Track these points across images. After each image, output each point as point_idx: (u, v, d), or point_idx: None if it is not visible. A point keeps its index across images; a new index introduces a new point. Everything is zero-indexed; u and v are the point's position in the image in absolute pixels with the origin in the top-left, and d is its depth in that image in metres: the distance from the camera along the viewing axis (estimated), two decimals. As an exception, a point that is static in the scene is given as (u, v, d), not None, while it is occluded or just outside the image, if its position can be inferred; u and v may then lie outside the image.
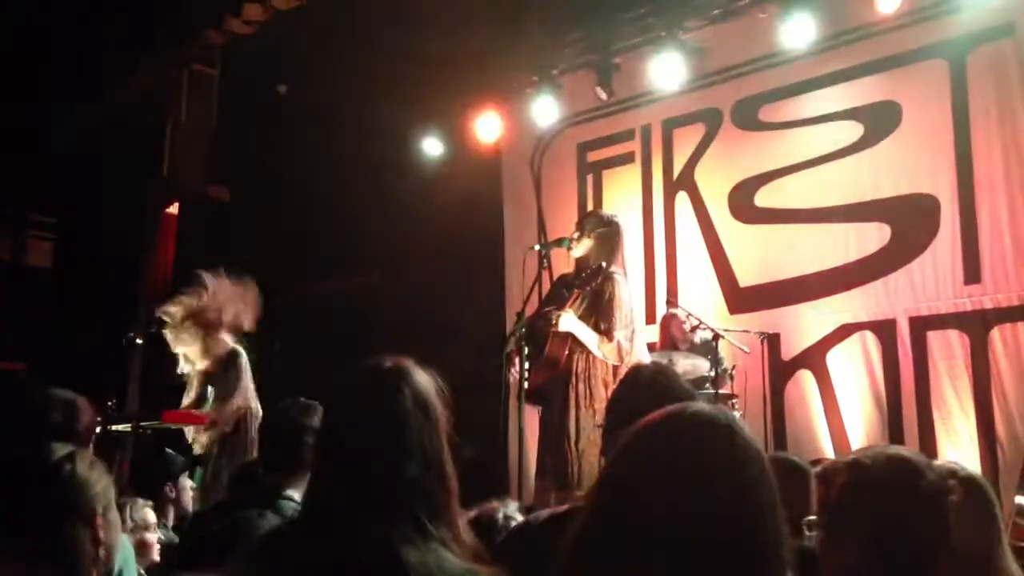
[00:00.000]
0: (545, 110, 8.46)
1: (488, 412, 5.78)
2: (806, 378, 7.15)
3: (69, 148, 9.67)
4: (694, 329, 6.91)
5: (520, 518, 2.74)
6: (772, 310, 7.36)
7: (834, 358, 7.04)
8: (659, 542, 1.26)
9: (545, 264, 5.85)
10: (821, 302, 7.16)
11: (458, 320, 8.82)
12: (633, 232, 7.66)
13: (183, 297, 6.21)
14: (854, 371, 6.93)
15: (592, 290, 5.27)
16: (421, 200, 8.92)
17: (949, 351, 6.56)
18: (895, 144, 6.97)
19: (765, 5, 7.35)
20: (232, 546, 1.94)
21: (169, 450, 5.09)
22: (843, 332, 7.03)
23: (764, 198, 7.58)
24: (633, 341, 5.35)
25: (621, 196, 8.33)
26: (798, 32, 7.09)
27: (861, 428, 6.79)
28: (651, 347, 6.85)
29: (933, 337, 6.65)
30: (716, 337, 6.62)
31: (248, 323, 6.36)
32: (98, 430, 5.16)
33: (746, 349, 6.78)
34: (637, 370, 2.81)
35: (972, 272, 6.54)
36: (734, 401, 6.60)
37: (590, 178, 8.70)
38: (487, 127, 8.80)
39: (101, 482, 2.04)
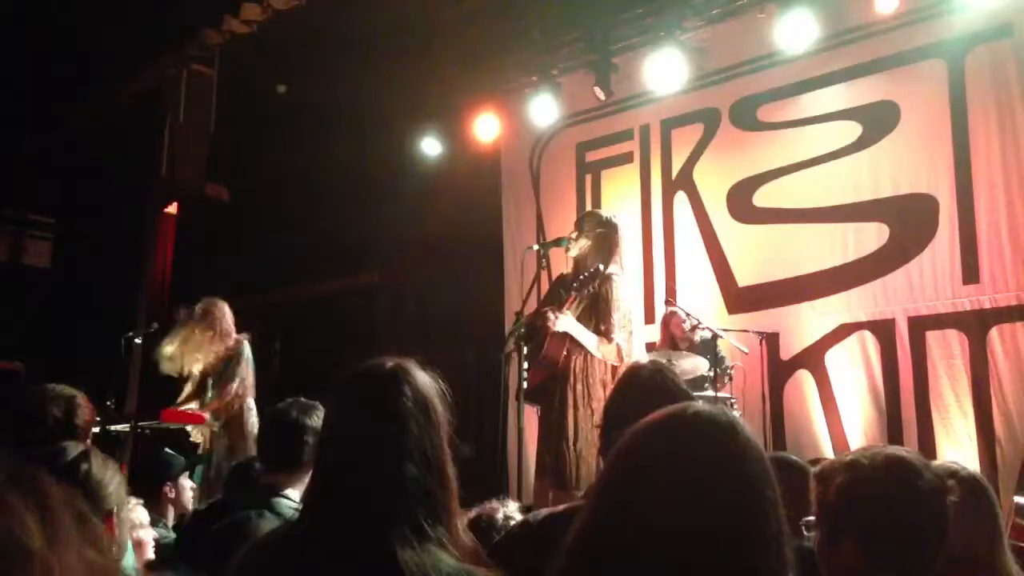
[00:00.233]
0: (544, 110, 8.46)
1: (487, 412, 5.79)
2: (805, 378, 7.15)
3: (68, 148, 9.67)
4: (693, 329, 6.91)
5: (520, 518, 2.74)
6: (771, 310, 7.37)
7: (833, 358, 7.05)
8: (660, 542, 1.26)
9: (544, 264, 5.85)
10: (820, 302, 7.16)
11: (457, 320, 8.83)
12: (632, 232, 7.66)
13: (172, 337, 6.45)
14: (853, 371, 6.93)
15: (590, 291, 5.28)
16: (420, 200, 8.93)
17: (948, 351, 6.56)
18: (894, 144, 6.98)
19: (764, 5, 7.35)
20: (231, 546, 1.94)
21: (168, 449, 5.09)
22: (842, 332, 7.03)
23: (763, 198, 7.58)
24: (631, 342, 5.36)
25: (620, 196, 8.34)
26: (797, 32, 7.09)
27: (860, 428, 6.80)
28: (651, 346, 6.86)
29: (932, 337, 6.65)
30: (715, 337, 6.63)
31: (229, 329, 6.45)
32: (97, 429, 5.18)
33: (745, 349, 6.78)
34: (635, 370, 2.81)
35: (971, 272, 6.54)
36: (733, 401, 6.60)
37: (589, 178, 8.70)
38: (486, 127, 8.81)
39: (115, 480, 2.04)
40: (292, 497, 3.06)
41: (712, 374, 6.40)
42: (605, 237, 5.50)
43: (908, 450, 2.12)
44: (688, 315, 6.90)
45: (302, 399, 3.25)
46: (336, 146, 9.08)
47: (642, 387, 2.57)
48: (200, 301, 6.58)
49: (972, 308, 6.51)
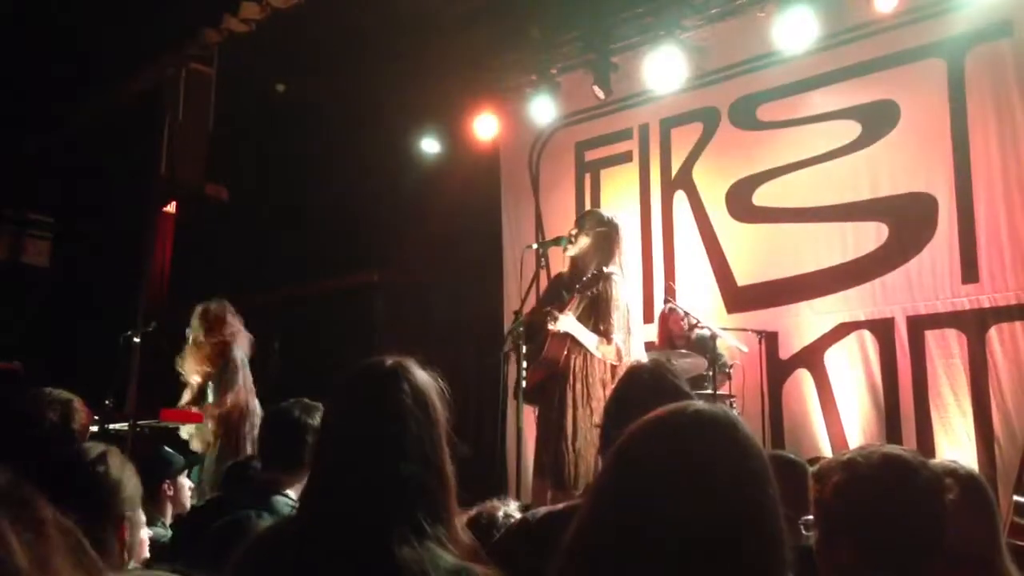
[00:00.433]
0: (543, 109, 8.46)
1: (486, 411, 5.79)
2: (804, 377, 7.16)
3: (67, 147, 9.66)
4: (692, 328, 6.92)
5: (519, 517, 2.74)
6: (770, 309, 7.37)
7: (832, 357, 7.05)
8: (659, 540, 1.27)
9: (543, 263, 5.86)
10: (819, 301, 7.17)
11: (456, 319, 8.83)
12: (631, 231, 7.65)
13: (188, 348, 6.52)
14: (852, 370, 6.94)
15: (593, 293, 5.28)
16: (419, 199, 8.93)
17: (947, 350, 6.56)
18: (893, 143, 6.98)
19: (763, 4, 7.35)
20: (230, 544, 1.94)
21: (167, 448, 5.09)
22: (841, 331, 7.03)
23: (762, 197, 7.58)
24: (631, 341, 5.36)
25: (619, 195, 8.34)
26: (796, 31, 7.09)
27: (859, 427, 6.80)
28: (650, 345, 6.86)
29: (931, 336, 6.65)
30: (714, 336, 6.63)
31: (240, 335, 6.49)
32: (95, 429, 5.18)
33: (744, 348, 6.78)
34: (635, 369, 2.81)
35: (970, 271, 6.54)
36: (732, 400, 6.61)
37: (588, 177, 8.70)
38: (485, 126, 8.81)
39: (131, 483, 2.04)
40: (292, 496, 3.06)
41: (711, 373, 6.41)
42: (605, 236, 5.51)
43: (905, 449, 2.13)
44: (687, 314, 6.90)
45: (305, 399, 3.26)
46: (335, 145, 9.08)
47: (643, 386, 2.57)
48: (198, 305, 6.61)
49: (971, 307, 6.51)
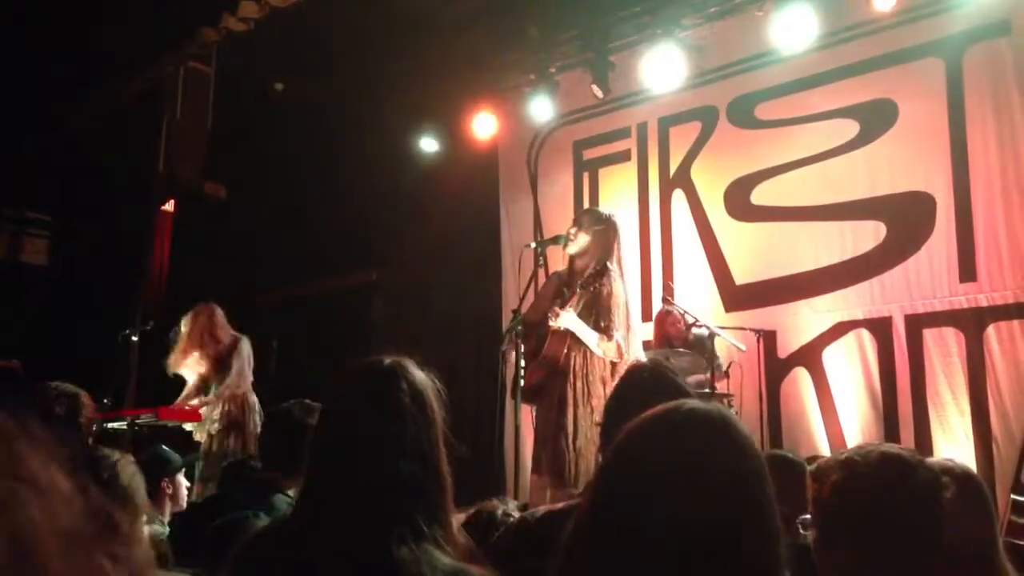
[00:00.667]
0: (541, 108, 8.46)
1: (484, 410, 5.79)
2: (802, 376, 7.16)
3: (66, 146, 9.66)
4: (690, 327, 6.92)
5: (518, 516, 2.75)
6: (768, 308, 7.37)
7: (830, 356, 7.06)
8: (657, 539, 1.27)
9: (541, 262, 5.86)
10: (817, 300, 7.17)
11: (455, 318, 8.83)
12: (629, 230, 7.65)
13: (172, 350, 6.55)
14: (850, 369, 6.95)
15: (594, 289, 5.29)
16: (417, 198, 8.93)
17: (945, 349, 6.57)
18: (891, 142, 6.98)
19: (762, 3, 7.35)
20: (229, 543, 1.94)
21: (165, 447, 5.09)
22: (839, 330, 7.04)
23: (760, 196, 7.59)
24: (631, 339, 5.37)
25: (617, 194, 8.34)
26: (794, 30, 7.09)
27: (857, 425, 6.80)
28: (647, 345, 6.86)
29: (929, 335, 6.66)
30: (712, 335, 6.63)
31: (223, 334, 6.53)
32: (94, 427, 5.18)
33: (742, 347, 6.79)
34: (636, 368, 2.82)
35: (968, 270, 6.55)
36: (730, 399, 6.61)
37: (586, 176, 8.71)
38: (483, 125, 8.80)
39: (141, 490, 2.05)
40: (291, 496, 3.07)
41: (709, 372, 6.41)
42: (604, 234, 5.51)
43: (903, 448, 2.13)
44: (684, 313, 6.90)
45: (305, 400, 3.27)
46: (334, 144, 9.08)
47: (643, 385, 2.58)
48: (190, 310, 6.64)
49: (969, 306, 6.52)
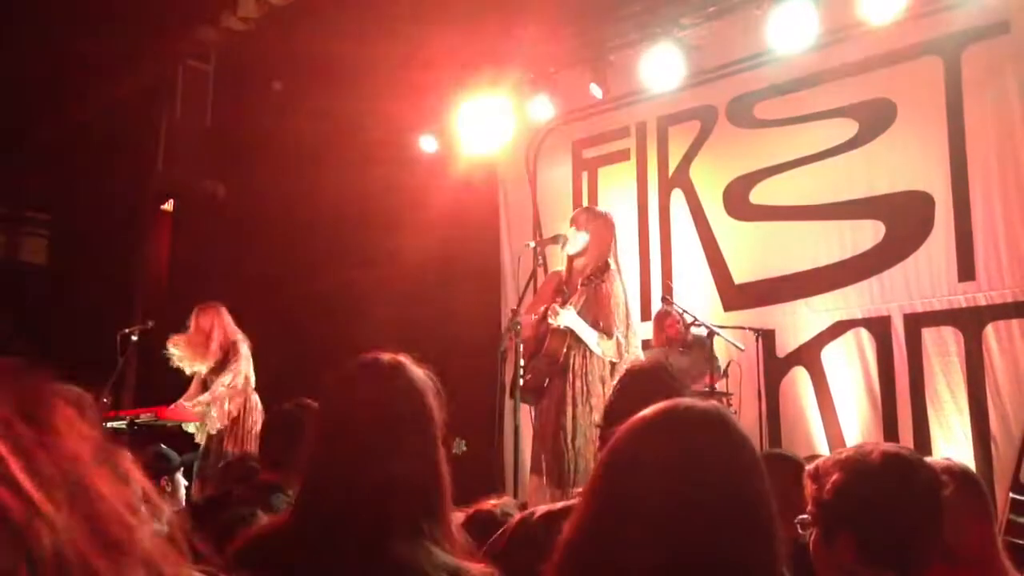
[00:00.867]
0: (540, 107, 8.45)
1: (483, 409, 5.79)
2: (801, 375, 7.17)
3: (64, 144, 9.66)
4: (689, 326, 6.92)
5: (517, 515, 2.75)
6: (767, 307, 7.38)
7: (829, 355, 7.06)
8: (654, 536, 1.27)
9: (540, 261, 5.86)
10: (816, 299, 7.17)
11: (454, 317, 8.83)
12: (628, 229, 7.67)
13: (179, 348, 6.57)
14: (849, 368, 6.95)
15: (591, 287, 5.29)
16: (416, 197, 8.92)
17: (943, 348, 6.57)
18: (890, 141, 6.98)
19: (760, 2, 7.34)
20: (227, 542, 1.94)
21: (163, 446, 5.11)
22: (838, 329, 7.04)
23: (759, 195, 7.59)
24: (631, 337, 5.37)
25: (616, 193, 8.34)
26: (793, 29, 7.08)
27: (856, 425, 6.81)
28: (646, 344, 6.86)
29: (927, 334, 6.66)
30: (711, 334, 6.63)
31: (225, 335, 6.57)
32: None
33: (741, 346, 6.79)
34: (635, 368, 2.82)
35: (966, 269, 6.55)
36: (729, 398, 6.61)
37: (585, 175, 8.71)
38: (482, 124, 8.79)
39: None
40: (291, 495, 3.07)
41: (708, 371, 6.42)
42: (601, 232, 5.51)
43: (903, 446, 2.13)
44: (683, 312, 6.90)
45: (306, 400, 3.27)
46: (332, 143, 9.08)
47: (642, 385, 2.58)
48: (195, 308, 6.65)
49: (968, 305, 6.52)
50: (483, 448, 6.74)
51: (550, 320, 5.30)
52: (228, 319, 6.64)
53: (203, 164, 9.31)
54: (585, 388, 5.25)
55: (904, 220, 6.85)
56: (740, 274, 7.61)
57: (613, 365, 5.26)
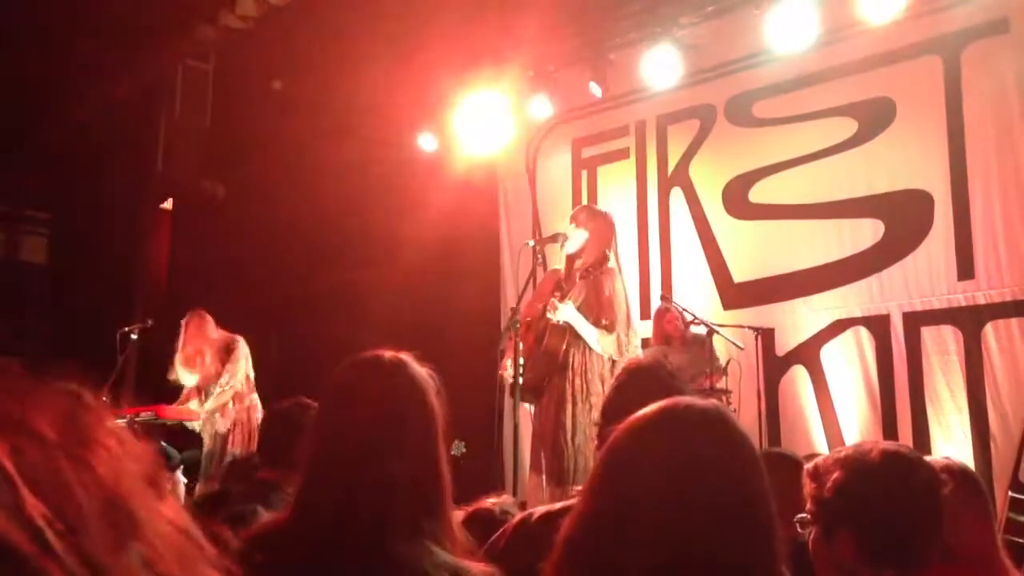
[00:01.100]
0: (540, 106, 8.45)
1: (482, 407, 5.79)
2: (800, 373, 7.17)
3: (65, 144, 9.65)
4: (688, 325, 6.92)
5: (517, 514, 2.75)
6: (766, 306, 7.38)
7: (828, 353, 7.06)
8: (653, 534, 1.27)
9: (539, 260, 5.86)
10: (815, 297, 7.17)
11: (453, 316, 8.82)
12: (627, 228, 7.67)
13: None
14: (848, 366, 6.95)
15: (591, 283, 5.29)
16: (416, 195, 8.92)
17: (943, 346, 6.57)
18: (889, 140, 6.98)
19: (759, 1, 7.34)
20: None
21: (163, 443, 5.11)
22: (837, 327, 7.05)
23: (758, 194, 7.59)
24: (631, 335, 5.37)
25: (615, 192, 8.34)
26: (792, 28, 7.08)
27: (855, 423, 6.81)
28: (645, 343, 6.86)
29: (927, 332, 6.66)
30: (710, 333, 6.64)
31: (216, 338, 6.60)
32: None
33: (740, 345, 6.79)
34: (634, 366, 2.82)
35: (966, 268, 6.56)
36: (728, 396, 6.62)
37: (585, 174, 8.71)
38: (481, 123, 8.79)
39: None
40: (291, 493, 3.07)
41: (706, 370, 6.42)
42: (600, 231, 5.51)
43: (902, 445, 2.13)
44: (683, 311, 6.91)
45: (304, 398, 3.27)
46: (331, 142, 9.07)
47: (641, 383, 2.58)
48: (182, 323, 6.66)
49: (967, 304, 6.52)
50: (482, 447, 6.74)
51: (549, 315, 5.30)
52: (210, 322, 6.64)
53: (203, 164, 9.31)
54: (585, 386, 5.25)
55: (903, 219, 6.85)
56: (739, 273, 7.61)
57: (613, 363, 5.26)
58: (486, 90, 8.63)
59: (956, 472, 2.44)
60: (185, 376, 6.56)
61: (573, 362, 5.28)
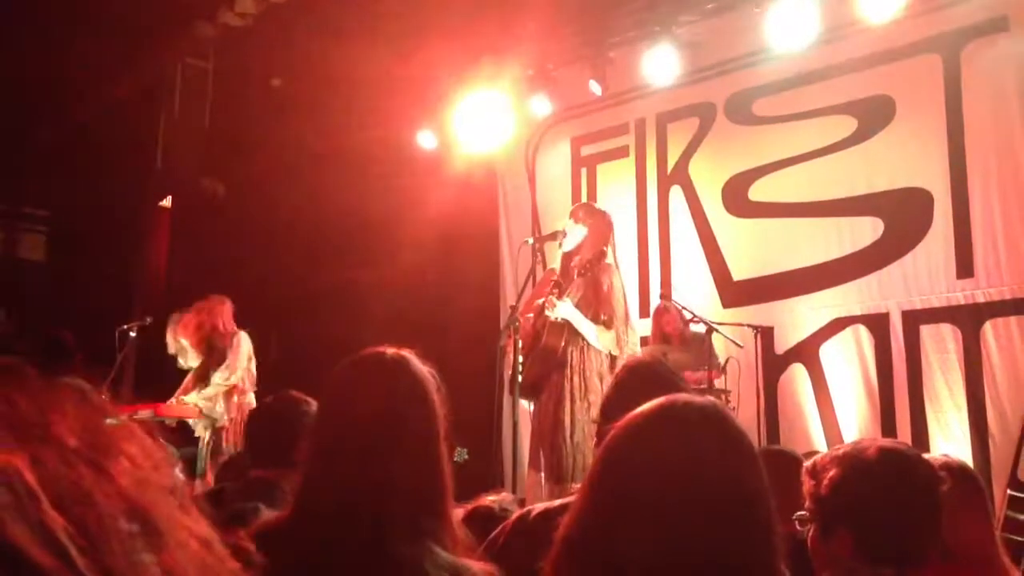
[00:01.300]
0: (539, 104, 8.45)
1: (482, 406, 5.79)
2: (799, 372, 7.17)
3: (63, 141, 9.66)
4: (687, 323, 6.92)
5: (517, 512, 2.75)
6: (765, 304, 7.38)
7: (827, 352, 7.06)
8: (651, 533, 1.27)
9: (539, 258, 5.87)
10: (814, 296, 7.18)
11: (453, 314, 8.83)
12: (627, 226, 7.68)
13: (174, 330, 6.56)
14: (847, 365, 6.95)
15: (589, 280, 5.30)
16: (415, 194, 8.92)
17: (942, 345, 6.58)
18: (889, 138, 6.98)
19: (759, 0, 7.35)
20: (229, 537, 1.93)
21: (163, 441, 5.10)
22: (836, 326, 7.05)
23: (758, 192, 7.59)
24: (629, 332, 5.38)
25: (615, 190, 8.34)
26: (792, 26, 7.08)
27: (854, 421, 6.81)
28: (644, 341, 6.86)
29: (926, 331, 6.67)
30: (709, 331, 6.63)
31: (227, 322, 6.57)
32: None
33: (739, 343, 6.79)
34: (634, 363, 2.82)
35: (965, 266, 6.56)
36: (727, 394, 6.61)
37: (584, 172, 8.71)
38: (481, 121, 8.78)
39: None
40: (284, 489, 3.06)
41: (706, 368, 6.42)
42: (598, 229, 5.52)
43: (901, 442, 2.13)
44: (682, 309, 6.90)
45: (292, 392, 3.26)
46: (331, 140, 9.08)
47: (640, 381, 2.57)
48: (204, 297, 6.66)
49: (966, 302, 6.52)
50: (482, 444, 6.75)
51: (547, 312, 5.30)
52: (229, 312, 6.64)
53: (202, 162, 9.31)
54: (583, 384, 5.26)
55: (903, 217, 6.85)
56: (739, 271, 7.61)
57: (612, 360, 5.26)
58: (485, 88, 8.63)
59: (955, 470, 2.44)
60: (185, 349, 6.54)
61: (572, 360, 5.29)
